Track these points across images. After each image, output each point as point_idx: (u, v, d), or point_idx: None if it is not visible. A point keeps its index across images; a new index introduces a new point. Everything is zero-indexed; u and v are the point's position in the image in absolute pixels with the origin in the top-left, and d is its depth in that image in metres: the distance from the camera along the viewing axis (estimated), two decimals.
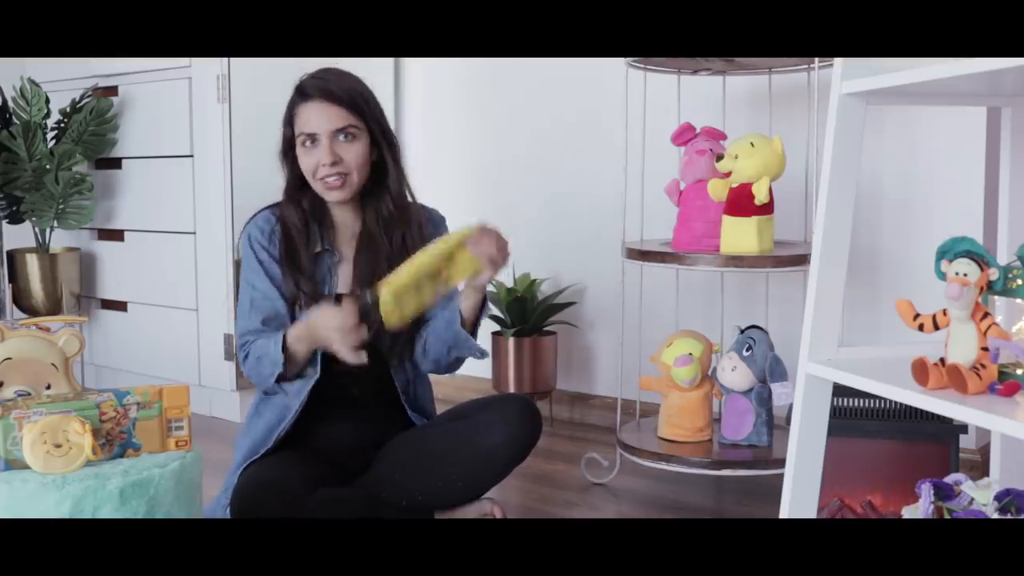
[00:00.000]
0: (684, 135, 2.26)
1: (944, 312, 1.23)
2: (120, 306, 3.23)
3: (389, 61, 3.27)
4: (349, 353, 1.73)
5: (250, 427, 1.96)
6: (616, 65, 2.45)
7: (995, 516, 1.26)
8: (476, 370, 2.96)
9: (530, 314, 2.84)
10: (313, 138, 1.85)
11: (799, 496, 1.43)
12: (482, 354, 1.89)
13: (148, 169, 3.09)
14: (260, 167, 2.81)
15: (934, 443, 1.86)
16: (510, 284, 2.91)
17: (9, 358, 1.67)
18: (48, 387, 1.70)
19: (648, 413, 2.49)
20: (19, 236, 3.22)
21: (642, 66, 2.41)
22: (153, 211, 3.09)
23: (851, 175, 1.37)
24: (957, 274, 1.18)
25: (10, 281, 3.15)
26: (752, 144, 2.09)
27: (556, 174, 3.02)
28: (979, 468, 2.23)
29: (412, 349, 1.94)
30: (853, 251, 1.48)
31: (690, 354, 2.21)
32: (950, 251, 1.21)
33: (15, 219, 3.12)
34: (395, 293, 1.67)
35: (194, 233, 2.97)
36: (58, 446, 1.52)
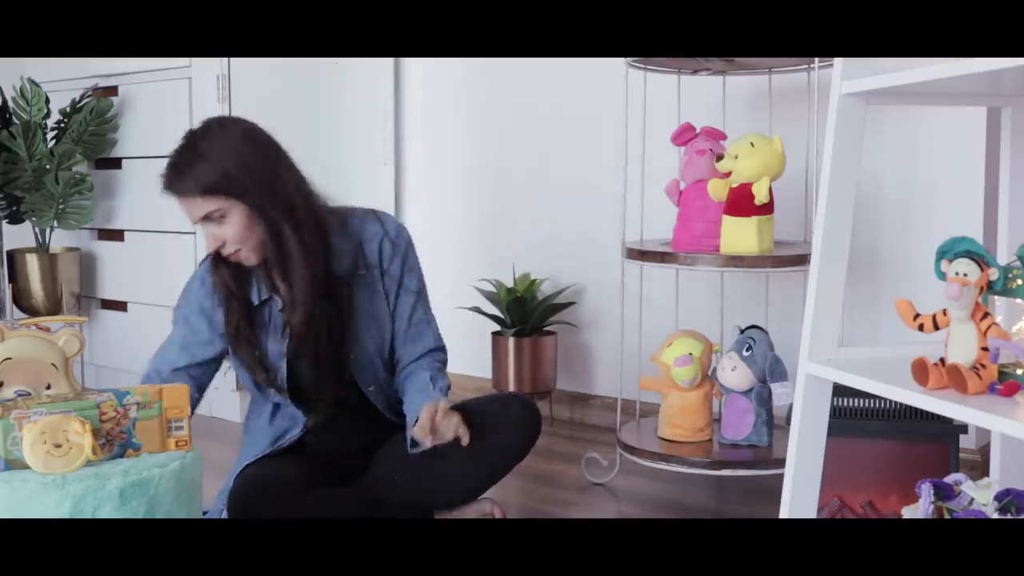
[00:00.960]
0: (684, 135, 2.26)
1: (944, 312, 1.23)
2: (120, 306, 3.23)
3: (389, 61, 3.27)
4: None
5: (249, 431, 1.96)
6: (616, 65, 2.45)
7: (995, 516, 1.26)
8: (476, 370, 2.96)
9: (530, 314, 2.84)
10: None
11: (799, 496, 1.43)
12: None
13: (148, 169, 3.09)
14: None
15: (934, 443, 1.86)
16: (510, 284, 2.91)
17: (9, 358, 1.67)
18: (48, 387, 1.70)
19: (648, 413, 2.49)
20: (19, 236, 3.22)
21: (642, 66, 2.41)
22: (153, 211, 3.09)
23: (851, 175, 1.37)
24: (957, 274, 1.18)
25: (10, 281, 3.15)
26: (752, 144, 2.09)
27: (556, 174, 3.02)
28: (979, 468, 2.23)
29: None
30: (853, 251, 1.48)
31: (690, 354, 2.21)
32: (950, 251, 1.21)
33: (15, 219, 3.12)
34: None
35: (194, 233, 2.96)
36: (58, 446, 1.52)
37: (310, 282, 1.79)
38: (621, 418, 2.45)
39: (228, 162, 1.74)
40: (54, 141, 3.10)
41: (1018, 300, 1.20)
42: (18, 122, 3.04)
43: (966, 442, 2.19)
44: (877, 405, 1.90)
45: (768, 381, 2.14)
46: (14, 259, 3.15)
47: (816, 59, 2.21)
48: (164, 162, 1.79)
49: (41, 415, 1.52)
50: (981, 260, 1.18)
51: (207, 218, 1.77)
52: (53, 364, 1.70)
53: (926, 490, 1.30)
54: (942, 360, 1.22)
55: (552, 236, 3.03)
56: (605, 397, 2.93)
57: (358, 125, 3.21)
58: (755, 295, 2.62)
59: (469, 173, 3.21)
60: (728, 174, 2.12)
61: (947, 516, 1.29)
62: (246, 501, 1.78)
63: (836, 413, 1.87)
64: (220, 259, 1.83)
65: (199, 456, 1.67)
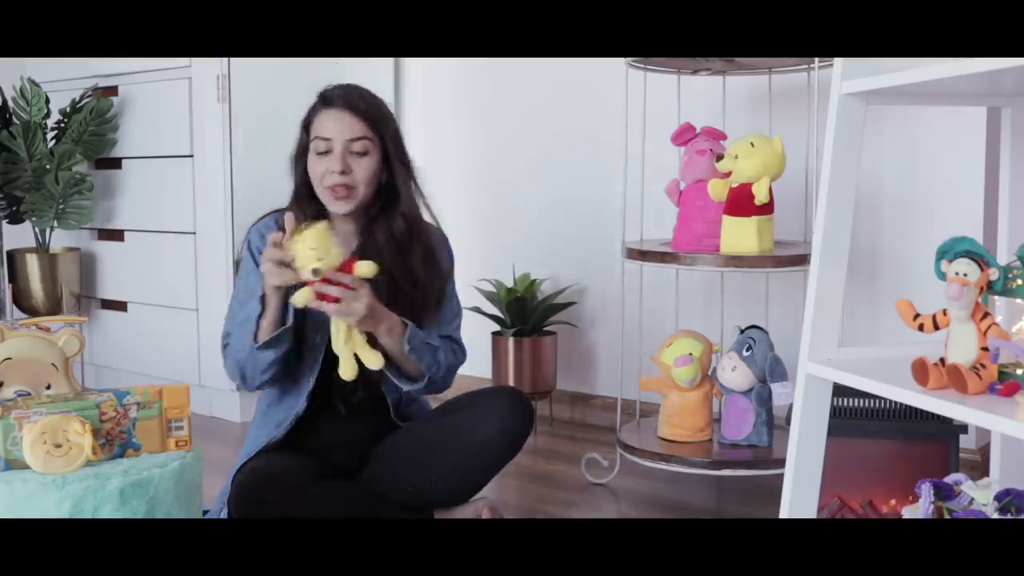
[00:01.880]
0: (684, 135, 2.26)
1: (944, 312, 1.23)
2: (120, 306, 3.23)
3: (389, 61, 3.27)
4: (268, 285, 1.75)
5: (250, 430, 1.96)
6: (616, 65, 2.45)
7: (995, 516, 1.26)
8: (476, 370, 2.96)
9: (530, 314, 2.84)
10: (327, 144, 1.85)
11: (799, 496, 1.43)
12: (426, 380, 1.87)
13: (148, 169, 3.09)
14: (260, 167, 2.84)
15: (934, 443, 1.86)
16: (510, 284, 2.91)
17: (9, 358, 1.68)
18: (48, 387, 1.70)
19: (648, 413, 2.49)
20: (19, 236, 3.22)
21: (642, 66, 2.41)
22: (153, 211, 3.09)
23: (851, 175, 1.37)
24: (957, 274, 1.18)
25: (10, 281, 3.15)
26: (752, 144, 2.09)
27: (556, 174, 3.02)
28: (979, 468, 2.23)
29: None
30: (853, 251, 1.48)
31: (690, 354, 2.21)
32: (950, 251, 1.21)
33: (15, 219, 3.12)
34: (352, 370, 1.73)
35: (194, 233, 2.97)
36: (58, 446, 1.52)
37: (393, 241, 1.88)
38: (621, 418, 2.45)
39: (384, 109, 1.92)
40: (54, 141, 3.10)
41: (1018, 300, 1.20)
42: (18, 122, 3.04)
43: (966, 442, 2.19)
44: (877, 405, 1.90)
45: (768, 381, 2.14)
46: (14, 259, 3.15)
47: (816, 59, 2.21)
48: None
49: (41, 415, 1.52)
50: (981, 260, 1.18)
51: (356, 142, 1.84)
52: (53, 364, 1.71)
53: (926, 490, 1.30)
54: (942, 360, 1.22)
55: (552, 236, 3.03)
56: (605, 397, 2.93)
57: None
58: (755, 295, 2.62)
59: (469, 173, 3.21)
60: (728, 174, 2.12)
61: (947, 516, 1.29)
62: (253, 493, 1.78)
63: (836, 413, 1.87)
64: (300, 208, 1.89)
65: (199, 456, 1.67)
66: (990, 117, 2.29)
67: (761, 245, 2.10)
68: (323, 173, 1.85)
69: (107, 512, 1.50)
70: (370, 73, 3.23)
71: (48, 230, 3.15)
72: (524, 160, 3.09)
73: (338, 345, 1.73)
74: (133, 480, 1.53)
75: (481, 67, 3.15)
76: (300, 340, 1.86)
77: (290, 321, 1.79)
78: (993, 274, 1.18)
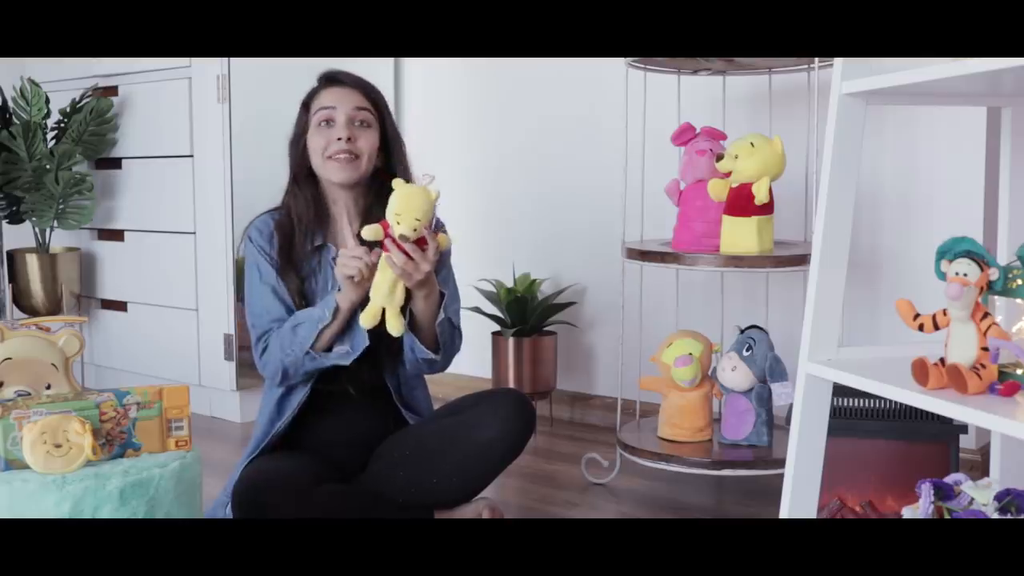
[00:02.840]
0: (684, 135, 2.26)
1: (944, 312, 1.23)
2: (120, 306, 3.23)
3: (389, 61, 3.27)
4: (342, 277, 1.80)
5: (254, 428, 1.97)
6: (616, 65, 2.45)
7: (995, 516, 1.26)
8: (476, 370, 2.96)
9: (530, 314, 2.84)
10: (330, 113, 1.90)
11: (799, 496, 1.43)
12: (439, 355, 1.89)
13: (148, 169, 3.09)
14: (260, 167, 2.83)
15: (934, 443, 1.86)
16: (510, 284, 2.91)
17: (9, 358, 1.67)
18: (48, 387, 1.70)
19: (648, 413, 2.49)
20: (19, 236, 3.22)
21: (642, 66, 2.41)
22: (153, 211, 3.09)
23: (851, 175, 1.37)
24: (957, 274, 1.18)
25: (10, 281, 3.15)
26: (752, 144, 2.09)
27: (556, 174, 3.02)
28: (979, 468, 2.23)
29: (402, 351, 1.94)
30: (853, 251, 1.48)
31: (690, 354, 2.21)
32: (950, 251, 1.21)
33: (15, 219, 3.12)
34: (374, 319, 1.78)
35: (194, 233, 2.97)
36: (58, 446, 1.52)
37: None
38: (621, 418, 2.45)
39: (385, 102, 2.01)
40: (54, 141, 3.10)
41: (1018, 300, 1.20)
42: (18, 122, 3.04)
43: (966, 442, 2.19)
44: (877, 405, 1.90)
45: (768, 381, 2.14)
46: (14, 259, 3.15)
47: (816, 59, 2.21)
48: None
49: (41, 415, 1.52)
50: (981, 260, 1.18)
51: (359, 112, 1.91)
52: (53, 364, 1.71)
53: (926, 490, 1.30)
54: (942, 360, 1.22)
55: (552, 236, 3.03)
56: (605, 397, 2.93)
57: None
58: (755, 295, 2.62)
59: (469, 173, 3.21)
60: (728, 174, 2.12)
61: (947, 516, 1.29)
62: (257, 494, 1.79)
63: (836, 413, 1.87)
64: (301, 190, 1.95)
65: (199, 456, 1.67)
66: (990, 117, 2.29)
67: (761, 245, 2.10)
68: (326, 143, 1.89)
69: (107, 512, 1.50)
70: (370, 73, 3.19)
71: (48, 230, 3.15)
72: (524, 160, 3.09)
73: (378, 300, 1.78)
74: (133, 480, 1.53)
75: (481, 67, 3.15)
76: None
77: (365, 343, 1.85)
78: (993, 274, 1.18)
